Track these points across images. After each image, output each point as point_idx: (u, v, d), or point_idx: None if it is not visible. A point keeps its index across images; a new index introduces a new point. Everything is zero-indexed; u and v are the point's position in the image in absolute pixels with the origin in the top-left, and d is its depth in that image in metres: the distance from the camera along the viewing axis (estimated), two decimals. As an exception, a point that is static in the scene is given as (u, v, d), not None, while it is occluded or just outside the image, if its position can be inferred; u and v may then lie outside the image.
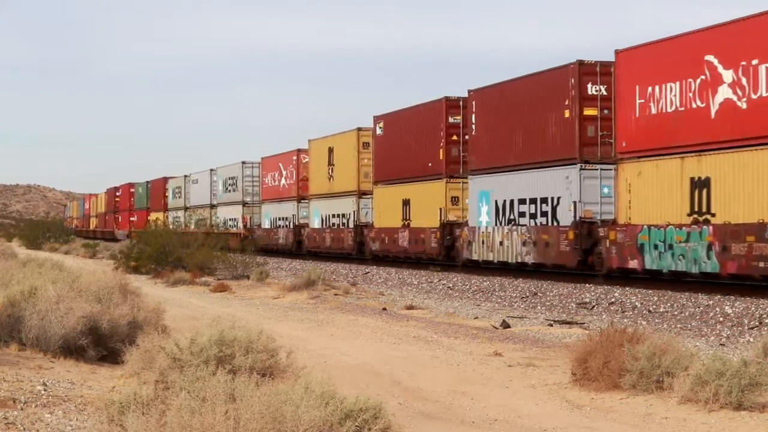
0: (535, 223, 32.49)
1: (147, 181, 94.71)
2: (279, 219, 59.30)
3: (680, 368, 11.61)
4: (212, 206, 71.97)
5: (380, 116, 44.87)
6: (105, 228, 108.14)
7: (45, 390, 10.55)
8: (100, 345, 13.59)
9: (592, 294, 27.23)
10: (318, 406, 7.54)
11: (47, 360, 12.97)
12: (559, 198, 31.28)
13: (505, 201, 34.18)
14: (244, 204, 65.40)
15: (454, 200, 38.71)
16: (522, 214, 33.21)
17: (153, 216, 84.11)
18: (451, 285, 32.89)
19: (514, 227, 33.46)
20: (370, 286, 34.86)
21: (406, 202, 41.94)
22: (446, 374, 14.15)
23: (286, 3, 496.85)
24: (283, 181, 58.94)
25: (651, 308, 23.89)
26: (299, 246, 55.26)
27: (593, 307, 25.29)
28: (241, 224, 64.49)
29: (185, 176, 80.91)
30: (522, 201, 33.23)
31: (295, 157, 57.06)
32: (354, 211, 47.80)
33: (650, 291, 26.31)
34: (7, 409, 9.30)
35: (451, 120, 38.69)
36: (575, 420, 11.07)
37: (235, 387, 7.85)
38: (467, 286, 32.01)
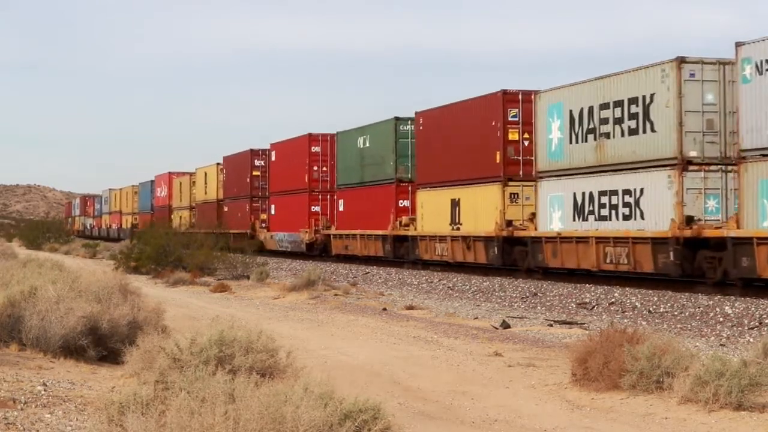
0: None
1: (397, 118, 42.06)
2: None
3: (680, 368, 11.60)
4: None
5: None
6: (230, 230, 56.35)
7: (45, 390, 10.55)
8: (100, 345, 13.59)
9: (592, 294, 27.22)
10: (317, 406, 7.53)
11: (47, 360, 12.97)
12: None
13: None
14: None
15: None
16: None
17: (433, 197, 38.18)
18: (451, 285, 32.89)
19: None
20: (370, 286, 34.84)
21: None
22: (446, 374, 14.14)
23: (286, 2, 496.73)
24: None
25: (651, 308, 23.88)
26: None
27: (593, 307, 25.28)
28: None
29: (680, 60, 26.15)
30: None
31: None
32: None
33: (650, 291, 26.31)
34: (7, 409, 9.30)
35: None
36: (575, 420, 11.07)
37: (235, 387, 7.85)
38: (467, 287, 32.01)
